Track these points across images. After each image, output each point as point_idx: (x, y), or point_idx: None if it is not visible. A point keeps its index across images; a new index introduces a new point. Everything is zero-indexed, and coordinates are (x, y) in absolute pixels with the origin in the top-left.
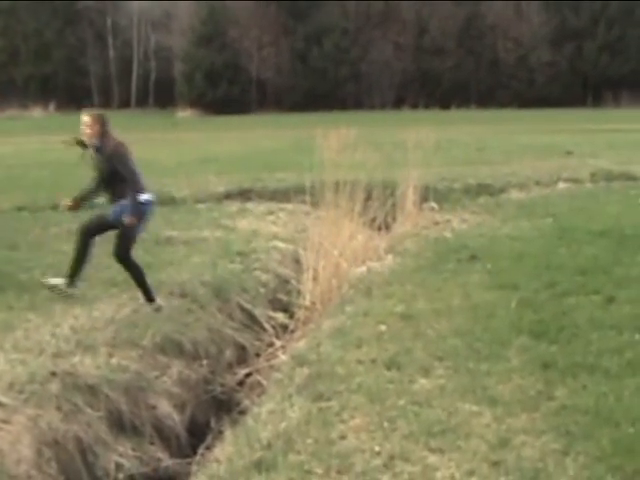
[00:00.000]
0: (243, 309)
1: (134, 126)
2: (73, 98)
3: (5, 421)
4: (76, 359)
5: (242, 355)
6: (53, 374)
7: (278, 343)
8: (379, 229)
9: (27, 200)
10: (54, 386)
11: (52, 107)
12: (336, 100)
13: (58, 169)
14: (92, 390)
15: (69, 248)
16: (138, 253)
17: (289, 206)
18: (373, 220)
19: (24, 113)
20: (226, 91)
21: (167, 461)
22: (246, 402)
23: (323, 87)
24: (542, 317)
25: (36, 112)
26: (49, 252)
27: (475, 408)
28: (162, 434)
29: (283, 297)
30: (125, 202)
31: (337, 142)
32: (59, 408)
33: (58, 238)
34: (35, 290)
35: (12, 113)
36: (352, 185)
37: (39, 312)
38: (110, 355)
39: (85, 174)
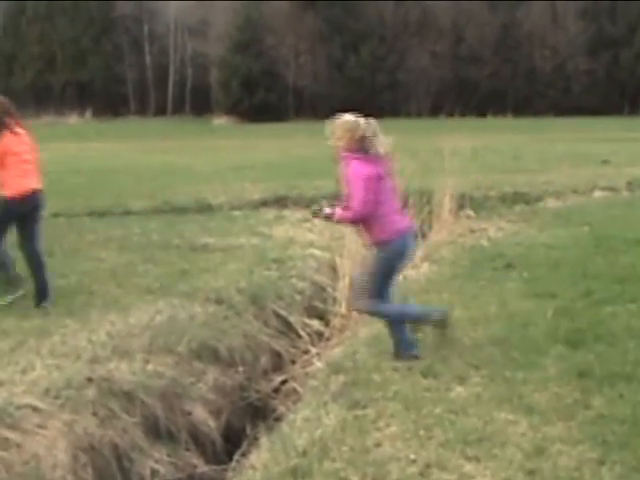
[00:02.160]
0: (279, 316)
1: (170, 133)
2: (109, 105)
3: (41, 426)
4: (112, 365)
5: (278, 362)
6: (89, 380)
7: (314, 350)
8: (418, 237)
9: (63, 206)
10: (90, 392)
11: (88, 114)
12: (373, 108)
13: (94, 176)
14: (128, 396)
15: (106, 255)
16: (173, 259)
17: None
18: None
19: (60, 120)
20: (262, 98)
21: (202, 467)
22: (281, 409)
23: (360, 95)
24: (579, 326)
25: (72, 119)
26: (85, 259)
27: (511, 417)
28: (197, 440)
29: (319, 304)
30: None
31: None
32: (95, 414)
33: (94, 245)
34: (71, 296)
35: (49, 120)
36: None
37: (75, 318)
38: (146, 361)
39: (122, 182)
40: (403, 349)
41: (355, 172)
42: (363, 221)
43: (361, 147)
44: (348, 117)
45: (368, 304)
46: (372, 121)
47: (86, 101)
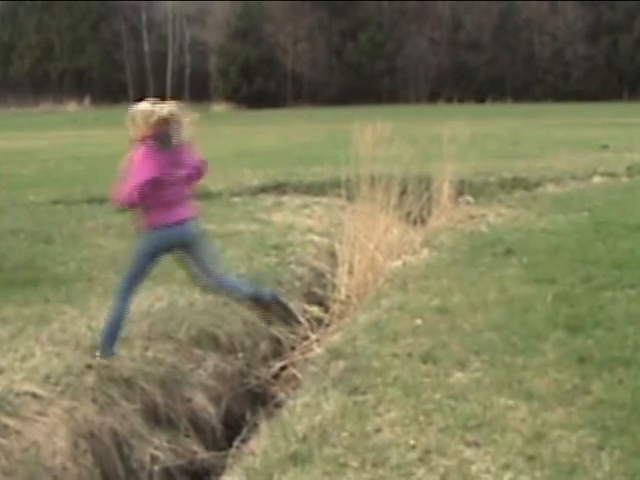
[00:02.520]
0: (278, 302)
1: None
2: (108, 92)
3: (41, 413)
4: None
5: (277, 348)
6: (89, 366)
7: (313, 336)
8: (414, 223)
9: (62, 194)
10: (90, 378)
11: (87, 101)
12: (371, 94)
13: (93, 163)
14: (128, 383)
15: (105, 242)
16: None
17: (324, 200)
18: (408, 214)
19: (59, 107)
20: (261, 85)
21: (202, 454)
22: (281, 395)
23: (358, 81)
24: (578, 311)
25: (71, 106)
26: (84, 246)
27: (511, 402)
28: (197, 427)
29: (318, 290)
30: None
31: (372, 136)
32: (95, 400)
33: (93, 232)
34: (71, 283)
35: (47, 107)
36: (387, 179)
37: (75, 305)
38: (146, 348)
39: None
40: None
41: (139, 160)
42: (138, 204)
43: (156, 135)
44: (144, 105)
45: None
46: (172, 108)
47: (84, 89)
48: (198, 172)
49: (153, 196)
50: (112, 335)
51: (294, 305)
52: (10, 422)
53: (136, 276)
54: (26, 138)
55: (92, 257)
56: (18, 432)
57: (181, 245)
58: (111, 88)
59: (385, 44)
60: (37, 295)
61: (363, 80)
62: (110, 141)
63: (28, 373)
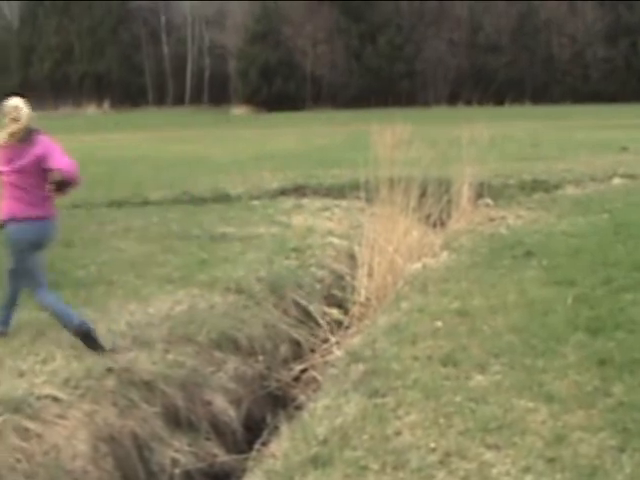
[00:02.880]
0: (298, 305)
1: (188, 123)
2: (127, 95)
3: (61, 416)
4: (132, 355)
5: (297, 351)
6: (109, 370)
7: (333, 339)
8: (434, 225)
9: (82, 197)
10: (110, 382)
11: (106, 105)
12: (390, 97)
13: (113, 166)
14: (148, 386)
15: (125, 245)
16: (193, 249)
17: (344, 202)
18: (428, 216)
19: (79, 111)
20: (280, 88)
21: (223, 457)
22: (302, 398)
23: (377, 84)
24: (599, 313)
25: (90, 110)
26: (104, 249)
27: (531, 404)
28: (218, 430)
29: (338, 293)
30: None
31: (392, 138)
32: (115, 404)
33: (113, 235)
34: (91, 286)
35: (67, 111)
36: (407, 181)
37: (95, 308)
38: (166, 351)
39: (141, 172)
40: None
41: None
42: None
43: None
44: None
45: None
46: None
47: (104, 92)
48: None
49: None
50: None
51: (314, 308)
52: (31, 425)
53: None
54: None
55: (112, 260)
56: (39, 435)
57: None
58: (130, 91)
59: (404, 46)
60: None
61: (382, 82)
62: (130, 144)
63: (49, 376)
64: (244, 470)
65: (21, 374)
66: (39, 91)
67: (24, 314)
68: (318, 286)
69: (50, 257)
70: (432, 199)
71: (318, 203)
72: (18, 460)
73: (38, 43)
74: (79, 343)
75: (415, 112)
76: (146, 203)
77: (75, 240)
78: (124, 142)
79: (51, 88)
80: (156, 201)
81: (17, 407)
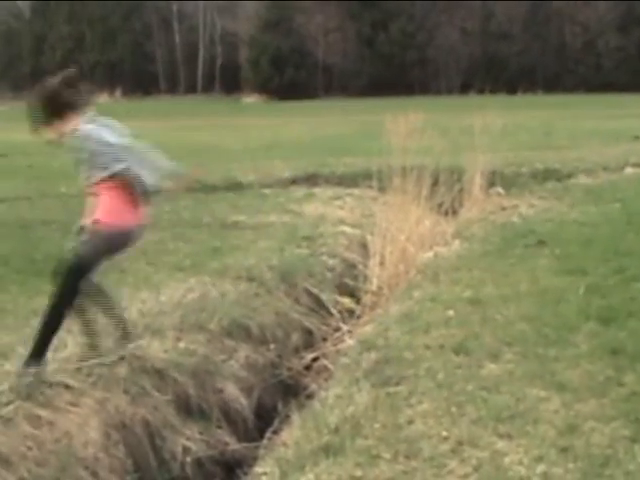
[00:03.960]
0: (310, 293)
1: (200, 111)
2: (139, 84)
3: (73, 404)
4: (144, 343)
5: (309, 339)
6: (121, 357)
7: (345, 328)
8: (446, 214)
9: None
10: (122, 369)
11: (118, 93)
12: (403, 85)
13: None
14: (160, 374)
15: None
16: (204, 237)
17: (356, 191)
18: (440, 205)
19: (98, 98)
20: (292, 76)
21: (234, 445)
22: (313, 386)
23: (389, 72)
24: (611, 302)
25: (102, 98)
26: None
27: (543, 394)
28: (229, 418)
29: (350, 282)
30: None
31: (404, 127)
32: (127, 391)
33: None
34: (102, 274)
35: None
36: (419, 170)
37: None
38: (178, 339)
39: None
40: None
41: None
42: None
43: None
44: None
45: None
46: None
47: (116, 80)
48: None
49: None
50: None
51: (326, 296)
52: (42, 413)
53: None
54: None
55: None
56: (50, 423)
57: None
58: (142, 80)
59: (416, 35)
60: None
61: (394, 71)
62: (140, 133)
63: (60, 364)
64: (255, 458)
65: None
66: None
67: (39, 302)
68: (330, 275)
69: (61, 244)
70: (444, 188)
71: (330, 192)
72: (29, 448)
73: (49, 32)
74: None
75: (427, 100)
76: (157, 191)
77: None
78: (135, 130)
79: None
80: (167, 189)
81: (29, 394)
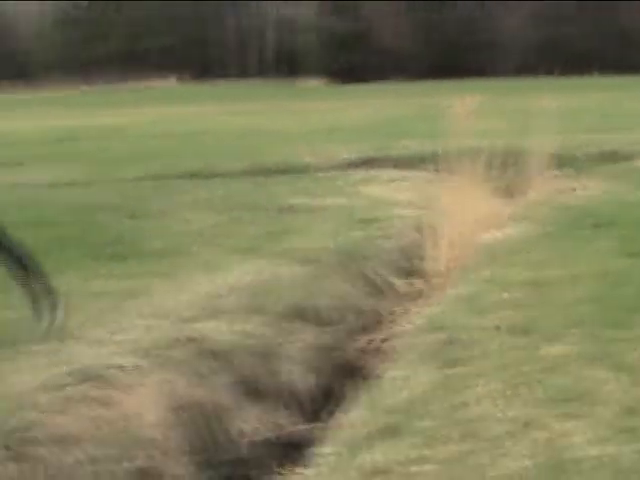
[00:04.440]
0: (368, 276)
1: (259, 95)
2: (198, 68)
3: (133, 386)
4: (201, 325)
5: (367, 322)
6: (179, 340)
7: (404, 310)
8: (505, 196)
9: (150, 169)
10: (179, 352)
11: (177, 78)
12: (463, 68)
13: (182, 139)
14: (217, 356)
15: (193, 217)
16: (262, 221)
17: (414, 174)
18: (499, 187)
19: (150, 84)
20: (351, 60)
21: (293, 427)
22: (372, 368)
23: (451, 55)
24: None
25: (161, 83)
26: (172, 221)
27: (603, 375)
28: (289, 400)
29: (407, 264)
30: None
31: (462, 109)
32: (185, 374)
33: (181, 207)
34: (159, 258)
35: (138, 84)
36: (477, 152)
37: (164, 279)
38: (235, 321)
39: (210, 144)
40: None
41: None
42: None
43: None
44: None
45: None
46: None
47: (174, 65)
48: None
49: None
50: None
51: (384, 279)
52: (105, 394)
53: None
54: (121, 115)
55: (180, 232)
56: (113, 404)
57: None
58: (201, 64)
59: (477, 17)
60: (125, 270)
61: (455, 53)
62: (199, 117)
63: (119, 346)
64: (314, 440)
65: (95, 344)
66: (112, 65)
67: (96, 284)
68: (390, 257)
69: (119, 229)
70: (503, 170)
71: (388, 174)
72: (92, 429)
73: (111, 16)
74: (148, 312)
75: (487, 83)
76: (215, 175)
77: (143, 212)
78: (194, 114)
79: (123, 61)
80: (225, 173)
81: (91, 376)
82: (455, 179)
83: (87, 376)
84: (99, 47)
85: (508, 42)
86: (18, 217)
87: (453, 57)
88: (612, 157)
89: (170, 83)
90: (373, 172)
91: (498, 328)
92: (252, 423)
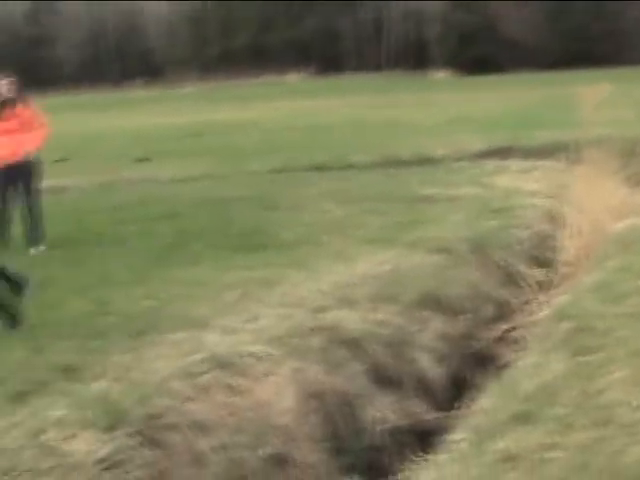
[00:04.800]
0: (502, 265)
1: (388, 88)
2: (327, 62)
3: (268, 373)
4: (337, 314)
5: (501, 311)
6: (314, 328)
7: (537, 298)
8: (636, 186)
9: (284, 162)
10: (316, 340)
11: (307, 71)
12: (591, 57)
13: (313, 131)
14: (353, 344)
15: (327, 207)
16: (395, 211)
17: (546, 163)
18: (630, 176)
19: (280, 78)
20: (480, 51)
21: (427, 414)
22: (506, 357)
23: (578, 45)
24: None
25: (291, 77)
26: (308, 211)
27: None
28: (422, 387)
29: (541, 254)
30: None
31: (594, 99)
32: (321, 361)
33: (316, 198)
34: (295, 248)
35: (268, 79)
36: (610, 141)
37: (299, 268)
38: (371, 310)
39: (341, 136)
40: None
41: None
42: None
43: None
44: None
45: None
46: None
47: (304, 59)
48: None
49: None
50: None
51: (518, 268)
52: (238, 382)
53: None
54: (249, 109)
55: (316, 222)
56: (246, 391)
57: None
58: (330, 58)
59: (605, 5)
60: (262, 259)
61: (582, 43)
62: (329, 110)
63: (255, 334)
64: (447, 428)
65: (228, 332)
66: (240, 60)
67: (230, 275)
68: (521, 246)
69: (255, 220)
70: (636, 159)
71: (520, 164)
72: (226, 416)
73: (238, 12)
74: (283, 301)
75: (617, 72)
76: (347, 166)
77: (278, 203)
78: (324, 108)
79: (252, 57)
80: (357, 164)
81: (225, 364)
82: (585, 168)
83: (221, 364)
84: (228, 43)
85: (637, 30)
86: (153, 211)
87: (581, 46)
88: None
89: (296, 77)
90: (504, 162)
91: (632, 315)
92: (384, 411)
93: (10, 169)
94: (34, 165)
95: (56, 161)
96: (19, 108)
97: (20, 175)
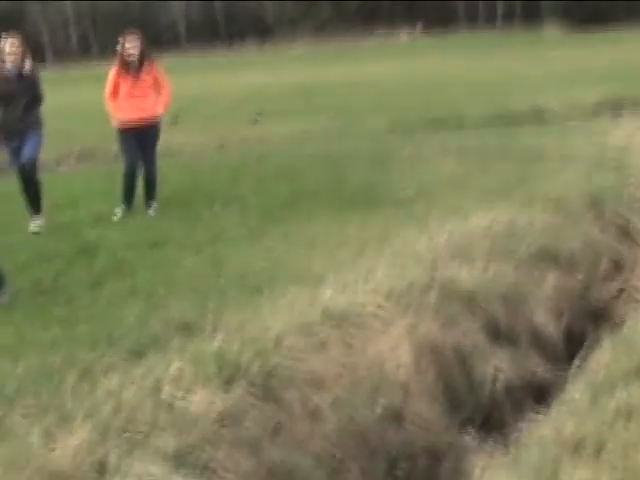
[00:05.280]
0: (618, 222)
1: (501, 44)
2: (438, 19)
3: (384, 328)
4: (452, 270)
5: (617, 267)
6: (430, 284)
7: None
8: None
9: (398, 120)
10: (431, 295)
11: (418, 29)
12: None
13: (427, 89)
14: (468, 300)
15: (442, 164)
16: (510, 167)
17: None
18: None
19: (391, 37)
20: (593, 6)
21: (543, 370)
22: (622, 313)
23: None
24: None
25: (402, 35)
26: (422, 169)
27: None
28: (538, 344)
29: None
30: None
31: None
32: (436, 317)
33: (431, 156)
34: (409, 204)
35: (379, 38)
36: None
37: (415, 224)
38: (486, 266)
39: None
40: None
41: None
42: None
43: None
44: None
45: None
46: None
47: (415, 17)
48: None
49: None
50: None
51: (635, 224)
52: (354, 337)
53: None
54: (361, 68)
55: (430, 179)
56: (362, 347)
57: None
58: (441, 15)
59: None
60: (377, 216)
61: None
62: (443, 67)
63: (371, 290)
64: (563, 383)
65: (344, 288)
66: (351, 21)
67: (344, 232)
68: (638, 204)
69: (370, 177)
70: None
71: (636, 121)
72: (341, 371)
73: None
74: (399, 257)
75: None
76: (461, 124)
77: (392, 161)
78: (437, 65)
79: (363, 17)
80: (471, 122)
81: (341, 320)
82: None
83: (336, 319)
84: (339, 3)
85: None
86: (267, 169)
87: None
88: None
89: (414, 35)
90: (621, 119)
91: None
92: (499, 366)
93: (139, 133)
94: (159, 128)
95: (172, 122)
96: (146, 68)
97: (148, 138)
